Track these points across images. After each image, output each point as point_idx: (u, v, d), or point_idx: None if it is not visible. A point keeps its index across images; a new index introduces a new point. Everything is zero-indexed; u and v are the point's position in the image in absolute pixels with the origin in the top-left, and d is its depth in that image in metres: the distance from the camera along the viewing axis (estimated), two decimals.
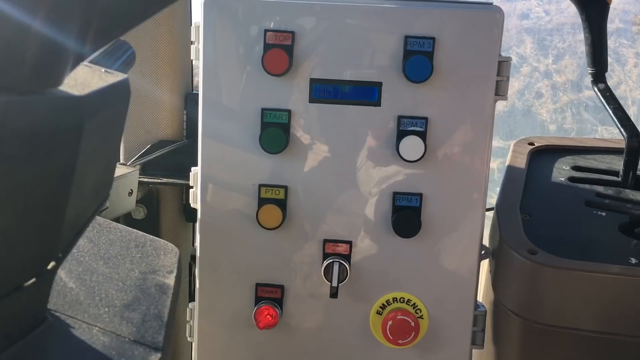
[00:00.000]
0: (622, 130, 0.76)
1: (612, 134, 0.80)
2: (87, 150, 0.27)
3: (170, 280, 0.38)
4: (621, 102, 0.80)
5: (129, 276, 0.37)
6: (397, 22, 0.64)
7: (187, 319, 0.73)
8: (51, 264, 0.28)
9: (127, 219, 0.92)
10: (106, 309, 0.33)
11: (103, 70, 0.32)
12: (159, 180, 0.92)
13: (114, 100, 0.30)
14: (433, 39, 0.64)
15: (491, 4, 0.65)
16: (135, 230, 0.44)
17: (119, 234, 0.42)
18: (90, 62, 0.34)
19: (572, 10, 0.78)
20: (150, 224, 0.94)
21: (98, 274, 0.36)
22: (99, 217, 0.44)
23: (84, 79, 0.29)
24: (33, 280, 0.27)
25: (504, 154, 0.92)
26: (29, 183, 0.25)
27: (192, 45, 0.68)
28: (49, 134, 0.24)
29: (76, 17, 0.24)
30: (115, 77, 0.31)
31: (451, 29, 0.63)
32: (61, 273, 0.35)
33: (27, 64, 0.23)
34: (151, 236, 0.44)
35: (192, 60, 0.68)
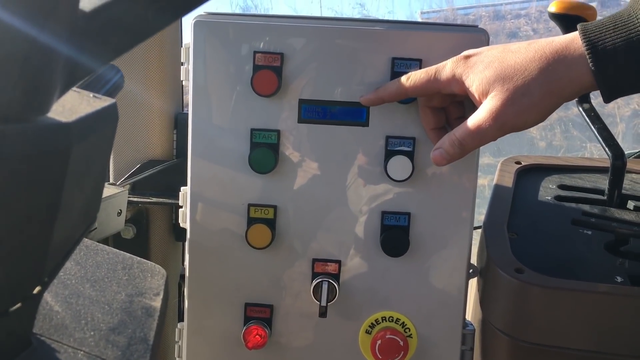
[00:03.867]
0: (606, 150, 0.77)
1: (601, 150, 0.81)
2: (74, 176, 0.28)
3: (157, 303, 0.38)
4: (609, 119, 0.82)
5: (116, 299, 0.37)
6: (385, 43, 0.65)
7: (176, 339, 0.73)
8: (37, 289, 0.28)
9: (116, 239, 0.92)
10: (92, 333, 0.33)
11: (91, 95, 0.33)
12: (149, 200, 0.92)
13: (102, 125, 0.30)
14: (420, 60, 0.65)
15: (476, 26, 0.66)
16: (122, 252, 0.44)
17: (106, 256, 0.42)
18: (79, 86, 0.35)
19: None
20: (140, 244, 0.94)
21: (84, 297, 0.36)
22: (86, 239, 0.44)
23: (72, 104, 0.29)
24: (19, 305, 0.28)
25: (494, 171, 0.93)
26: (15, 209, 0.25)
27: (182, 66, 0.68)
28: (36, 160, 0.25)
29: (65, 49, 0.25)
30: (104, 101, 0.32)
31: (437, 51, 0.64)
32: (47, 296, 0.35)
33: (15, 93, 0.23)
34: (138, 258, 0.44)
35: (182, 81, 0.68)
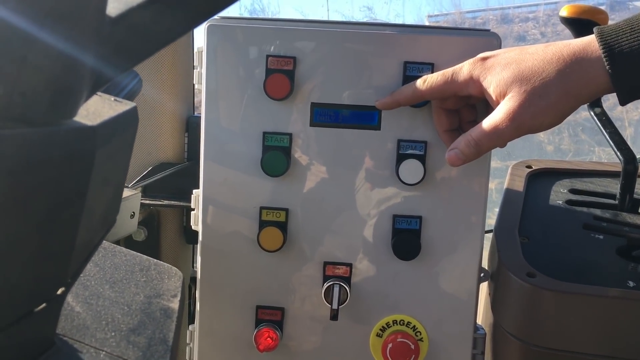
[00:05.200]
0: (618, 154, 0.77)
1: (610, 154, 0.81)
2: (97, 178, 0.28)
3: (175, 304, 0.38)
4: (618, 123, 0.81)
5: (135, 300, 0.37)
6: (397, 47, 0.65)
7: (187, 341, 0.73)
8: (61, 290, 0.29)
9: (127, 241, 0.92)
10: (112, 334, 0.33)
11: (112, 99, 0.33)
12: (160, 203, 0.92)
13: (124, 128, 0.31)
14: (432, 64, 0.65)
15: (488, 30, 0.66)
16: (139, 254, 0.44)
17: (123, 258, 0.42)
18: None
19: (569, 32, 0.79)
20: (151, 246, 0.94)
21: (104, 298, 0.36)
22: (103, 241, 0.44)
23: (95, 108, 0.29)
24: (43, 305, 0.28)
25: (502, 175, 0.93)
26: (41, 211, 0.26)
27: (194, 70, 0.69)
28: (62, 163, 0.25)
29: (93, 54, 0.25)
30: (125, 105, 0.32)
31: (449, 55, 0.64)
32: (68, 297, 0.35)
33: (44, 98, 0.23)
34: (155, 260, 0.44)
35: (194, 84, 0.69)
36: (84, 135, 0.26)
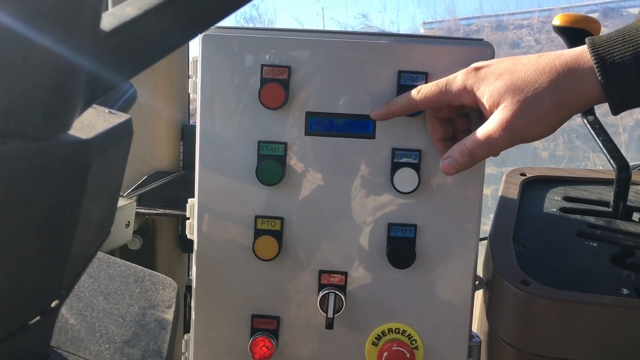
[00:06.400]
0: (611, 162, 0.77)
1: (604, 161, 0.82)
2: (92, 191, 0.28)
3: (169, 316, 0.38)
4: (612, 129, 0.82)
5: (129, 312, 0.37)
6: (391, 57, 0.66)
7: (182, 350, 0.73)
8: (55, 302, 0.29)
9: (122, 250, 0.92)
10: (107, 345, 0.33)
11: (107, 110, 0.33)
12: (155, 211, 0.92)
13: (118, 140, 0.31)
14: (426, 74, 0.65)
15: (482, 40, 0.67)
16: (134, 264, 0.44)
17: (118, 269, 0.42)
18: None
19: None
20: (146, 255, 0.94)
21: (98, 310, 0.36)
22: (98, 252, 0.44)
23: (90, 121, 0.30)
24: (37, 318, 0.28)
25: (497, 181, 0.94)
26: (35, 223, 0.26)
27: (189, 79, 0.69)
28: (56, 177, 0.25)
29: (87, 65, 0.25)
30: (119, 117, 0.32)
31: (443, 64, 0.65)
32: (62, 309, 0.35)
33: (39, 111, 0.24)
34: (150, 270, 0.44)
35: (189, 93, 0.69)
36: (78, 149, 0.26)
